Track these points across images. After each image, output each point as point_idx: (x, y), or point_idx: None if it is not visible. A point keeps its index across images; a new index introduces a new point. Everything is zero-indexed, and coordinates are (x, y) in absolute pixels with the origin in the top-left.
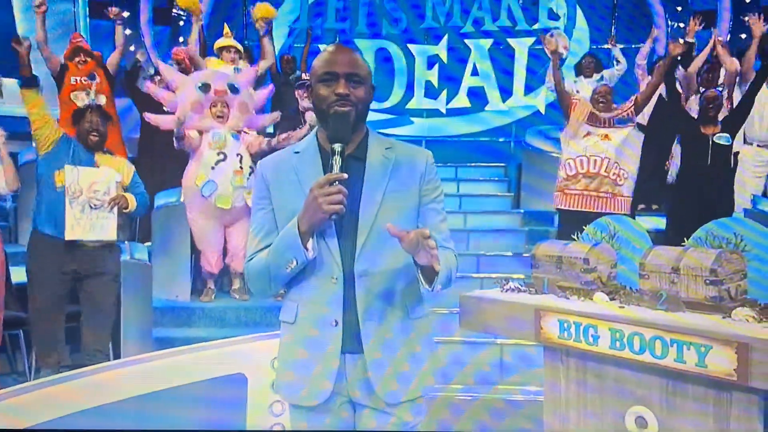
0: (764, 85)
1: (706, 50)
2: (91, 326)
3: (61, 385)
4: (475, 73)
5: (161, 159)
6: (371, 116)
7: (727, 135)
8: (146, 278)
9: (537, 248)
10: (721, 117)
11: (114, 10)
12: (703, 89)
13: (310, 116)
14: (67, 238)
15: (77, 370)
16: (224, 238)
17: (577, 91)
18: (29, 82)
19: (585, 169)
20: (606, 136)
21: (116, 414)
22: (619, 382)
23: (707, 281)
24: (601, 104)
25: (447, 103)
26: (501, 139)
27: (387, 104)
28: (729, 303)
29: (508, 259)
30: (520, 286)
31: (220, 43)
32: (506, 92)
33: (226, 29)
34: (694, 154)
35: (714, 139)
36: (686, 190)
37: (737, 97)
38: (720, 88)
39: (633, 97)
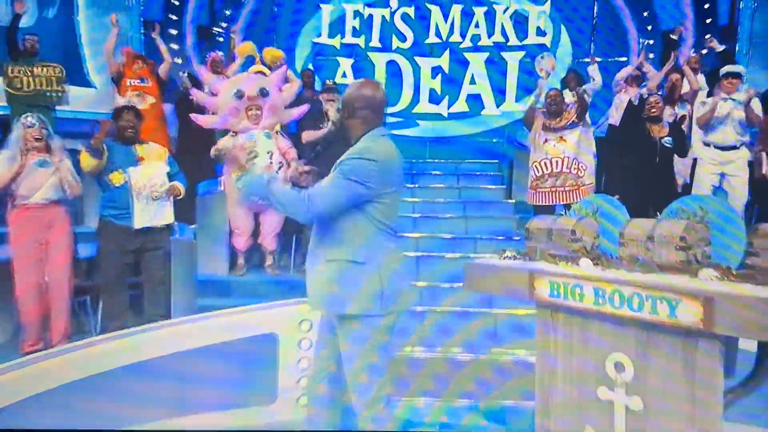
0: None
1: (665, 68)
2: (150, 293)
3: (125, 339)
4: (473, 81)
5: (198, 154)
6: None
7: (670, 139)
8: (192, 255)
9: (530, 223)
10: (684, 125)
11: (156, 29)
12: (648, 93)
13: (333, 115)
14: (136, 227)
15: (135, 328)
16: (256, 222)
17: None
18: (97, 153)
19: (549, 170)
20: (561, 138)
21: (166, 368)
22: (600, 333)
23: (677, 247)
24: (552, 106)
25: (448, 107)
26: (495, 140)
27: (396, 109)
28: (696, 265)
29: (501, 242)
30: (516, 255)
31: (253, 69)
32: (500, 98)
33: (257, 59)
34: (645, 152)
35: (662, 142)
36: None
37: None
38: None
39: (572, 109)
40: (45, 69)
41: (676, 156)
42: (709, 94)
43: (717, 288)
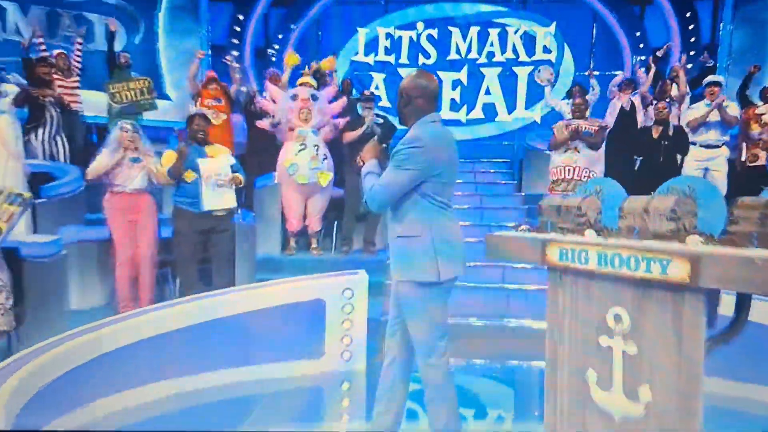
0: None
1: (650, 77)
2: (218, 268)
3: (195, 302)
4: (487, 92)
5: (260, 154)
6: None
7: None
8: (252, 237)
9: (543, 201)
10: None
11: (229, 57)
12: (655, 101)
13: (369, 119)
14: (204, 209)
15: (208, 293)
16: (305, 206)
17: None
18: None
19: (563, 176)
20: (576, 149)
21: (232, 326)
22: (601, 290)
23: (668, 218)
24: (576, 112)
25: (467, 114)
26: (506, 142)
27: None
28: (684, 233)
29: (512, 229)
30: (530, 229)
31: (301, 81)
32: (511, 107)
33: (306, 71)
34: (649, 152)
35: (663, 143)
36: (644, 177)
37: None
38: (669, 102)
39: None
40: (138, 82)
41: None
42: (693, 99)
43: (702, 250)
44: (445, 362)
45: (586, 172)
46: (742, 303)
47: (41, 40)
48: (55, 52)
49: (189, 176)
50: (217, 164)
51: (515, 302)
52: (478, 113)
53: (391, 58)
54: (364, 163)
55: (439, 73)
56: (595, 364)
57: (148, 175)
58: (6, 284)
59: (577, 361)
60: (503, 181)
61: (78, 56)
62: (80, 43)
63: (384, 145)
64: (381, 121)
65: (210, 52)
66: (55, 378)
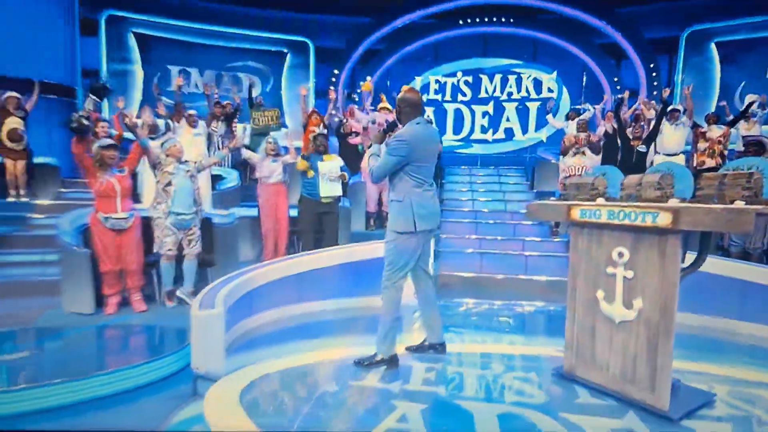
0: (663, 120)
1: (633, 107)
2: (328, 238)
3: (316, 255)
4: (507, 120)
5: (349, 161)
6: (451, 142)
7: (645, 146)
8: (348, 217)
9: (567, 181)
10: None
11: (332, 95)
12: (633, 123)
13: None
14: (321, 196)
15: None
16: (379, 196)
17: (567, 126)
18: (306, 159)
19: (573, 173)
20: (583, 153)
21: (333, 272)
22: (609, 237)
23: (655, 188)
24: (581, 128)
25: (492, 135)
26: (522, 155)
27: (460, 136)
28: (666, 198)
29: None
30: (557, 200)
31: (380, 106)
32: (524, 130)
33: (383, 98)
34: (628, 157)
35: (637, 149)
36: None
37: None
38: (643, 123)
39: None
40: (272, 111)
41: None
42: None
43: (680, 205)
44: (397, 289)
45: (585, 170)
46: (702, 248)
47: (216, 91)
48: (225, 102)
49: (310, 174)
50: (331, 166)
51: (531, 264)
52: (500, 135)
53: (438, 97)
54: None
55: (472, 106)
56: (602, 286)
57: (283, 172)
58: (199, 237)
59: (589, 285)
60: (520, 182)
61: (237, 101)
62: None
63: (386, 135)
64: (391, 119)
65: (314, 95)
66: (241, 294)
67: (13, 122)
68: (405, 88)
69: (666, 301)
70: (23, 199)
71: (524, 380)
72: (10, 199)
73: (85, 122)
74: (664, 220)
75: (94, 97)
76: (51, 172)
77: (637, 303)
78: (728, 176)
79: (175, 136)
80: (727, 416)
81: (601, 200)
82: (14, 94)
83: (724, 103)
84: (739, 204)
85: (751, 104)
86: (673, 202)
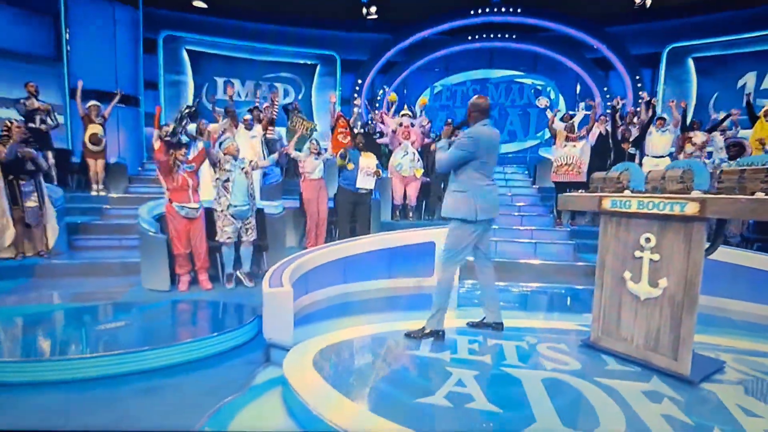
0: (651, 126)
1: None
2: (361, 226)
3: (353, 242)
4: (511, 124)
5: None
6: None
7: (634, 148)
8: (378, 208)
9: (593, 174)
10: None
11: (358, 101)
12: (624, 126)
13: (445, 135)
14: (357, 187)
15: (350, 238)
16: (404, 189)
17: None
18: (343, 157)
19: (564, 162)
20: (574, 146)
21: (376, 256)
22: (637, 224)
23: (678, 181)
24: (567, 125)
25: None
26: (524, 155)
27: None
28: (687, 190)
29: (528, 207)
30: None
31: (402, 112)
32: (526, 133)
33: (405, 106)
34: (620, 157)
35: (628, 151)
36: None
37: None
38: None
39: (582, 131)
40: (308, 122)
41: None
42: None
43: (706, 196)
44: (452, 272)
45: (578, 162)
46: (717, 235)
47: (257, 99)
48: (264, 104)
49: (350, 167)
50: (367, 161)
51: (540, 250)
52: (505, 137)
53: (450, 103)
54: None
55: None
56: (629, 268)
57: (323, 168)
58: (254, 225)
59: (616, 266)
60: (523, 178)
61: (276, 107)
62: (273, 99)
63: (454, 131)
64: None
65: (341, 101)
66: (298, 276)
67: (94, 128)
68: (475, 96)
69: (691, 280)
70: (102, 193)
71: (557, 350)
72: (93, 193)
73: (179, 136)
74: (692, 209)
75: (186, 116)
76: (120, 170)
77: (662, 282)
78: (747, 171)
79: (232, 136)
80: (737, 380)
81: (627, 192)
82: (96, 103)
83: (715, 115)
84: (760, 195)
85: (728, 116)
86: (696, 194)
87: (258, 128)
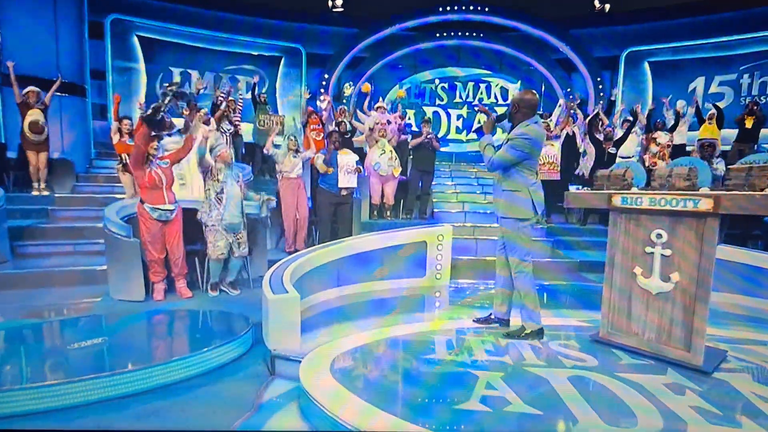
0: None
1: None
2: (342, 227)
3: (336, 245)
4: (479, 122)
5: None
6: None
7: (615, 148)
8: (361, 208)
9: (598, 173)
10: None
11: (324, 98)
12: (603, 127)
13: (425, 132)
14: (339, 186)
15: (334, 241)
16: (382, 188)
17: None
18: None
19: (544, 161)
20: (552, 145)
21: (366, 258)
22: (647, 220)
23: (684, 179)
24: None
25: (466, 135)
26: None
27: (438, 135)
28: (693, 187)
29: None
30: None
31: (377, 105)
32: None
33: (380, 99)
34: (600, 157)
35: (608, 150)
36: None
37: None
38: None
39: (557, 129)
40: (275, 116)
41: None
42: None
43: (720, 192)
44: (529, 269)
45: (556, 160)
46: (721, 229)
47: (217, 92)
48: (219, 98)
49: (329, 170)
50: (348, 159)
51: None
52: (472, 136)
53: (419, 101)
54: (485, 133)
55: (449, 110)
56: (640, 263)
57: (302, 167)
58: (246, 239)
59: (627, 262)
60: (491, 176)
61: (241, 101)
62: (231, 92)
63: (494, 124)
64: (500, 112)
65: (308, 96)
66: (300, 275)
67: (34, 114)
68: (522, 90)
69: (704, 273)
70: (45, 193)
71: (569, 347)
72: (35, 193)
73: (162, 115)
74: (705, 205)
75: (171, 94)
76: (66, 166)
77: (674, 276)
78: (755, 168)
79: (224, 141)
80: (740, 368)
81: (634, 190)
82: (34, 88)
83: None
84: None
85: (677, 113)
86: (705, 190)
87: (212, 123)
